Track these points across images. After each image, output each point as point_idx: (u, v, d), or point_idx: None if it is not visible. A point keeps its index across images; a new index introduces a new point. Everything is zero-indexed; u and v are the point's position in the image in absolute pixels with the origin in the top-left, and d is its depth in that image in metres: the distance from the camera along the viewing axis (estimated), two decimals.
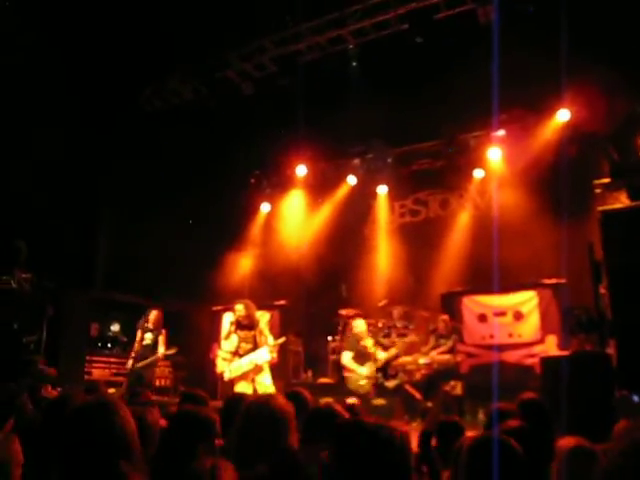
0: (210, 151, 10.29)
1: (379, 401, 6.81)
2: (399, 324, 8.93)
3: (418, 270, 9.52)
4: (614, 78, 7.05)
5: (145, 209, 9.97)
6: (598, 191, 5.97)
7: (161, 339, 7.51)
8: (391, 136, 9.89)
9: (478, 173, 9.78)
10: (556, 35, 6.41)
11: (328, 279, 10.09)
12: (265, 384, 6.58)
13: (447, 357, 7.74)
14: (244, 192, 11.21)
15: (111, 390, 7.58)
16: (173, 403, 4.56)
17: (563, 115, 8.59)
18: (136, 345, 7.43)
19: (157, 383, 8.60)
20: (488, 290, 8.63)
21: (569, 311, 7.41)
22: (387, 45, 8.70)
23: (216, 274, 10.30)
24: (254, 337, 6.72)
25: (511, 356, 8.56)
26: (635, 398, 4.41)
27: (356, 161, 10.59)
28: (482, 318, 9.05)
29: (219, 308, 10.52)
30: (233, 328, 6.83)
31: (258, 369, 6.61)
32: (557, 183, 7.58)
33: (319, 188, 11.04)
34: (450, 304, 9.20)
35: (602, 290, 5.74)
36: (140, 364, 7.28)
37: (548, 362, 5.93)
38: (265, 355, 6.64)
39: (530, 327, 8.64)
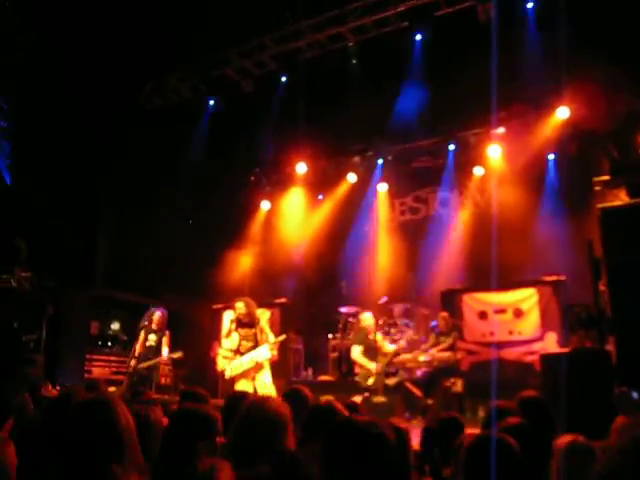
0: (210, 149, 10.28)
1: (379, 399, 6.81)
2: (399, 321, 8.94)
3: (418, 267, 9.53)
4: (614, 76, 7.04)
5: (145, 208, 9.97)
6: (598, 188, 5.96)
7: (165, 340, 7.47)
8: (391, 133, 9.89)
9: (478, 170, 9.78)
10: (556, 32, 6.41)
11: (328, 277, 10.10)
12: (265, 383, 6.58)
13: (447, 354, 7.74)
14: (244, 190, 11.21)
15: (111, 388, 7.58)
16: (174, 401, 4.56)
17: (563, 113, 8.58)
18: (139, 346, 7.39)
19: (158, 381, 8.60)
20: (488, 287, 8.63)
21: (569, 308, 7.42)
22: (387, 42, 8.70)
23: (216, 272, 10.30)
24: (255, 335, 6.71)
25: (511, 353, 8.57)
26: (634, 395, 4.41)
27: (356, 159, 10.59)
28: (482, 315, 9.06)
29: (219, 306, 10.52)
30: (234, 326, 6.82)
31: (259, 367, 6.61)
32: (557, 180, 7.58)
33: (319, 186, 11.04)
34: (450, 301, 9.20)
35: (602, 287, 5.74)
36: (144, 365, 7.25)
37: (548, 359, 5.94)
38: (265, 353, 6.64)
39: (530, 324, 8.64)
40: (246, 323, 6.75)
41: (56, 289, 8.51)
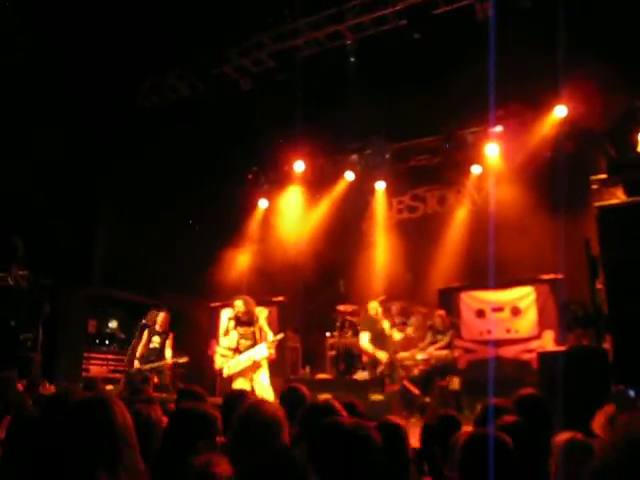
0: (208, 147, 10.27)
1: (377, 397, 6.82)
2: (397, 320, 8.95)
3: (416, 266, 9.54)
4: (611, 74, 7.05)
5: (143, 206, 9.96)
6: (595, 187, 5.97)
7: (168, 343, 7.45)
8: (389, 132, 9.89)
9: (476, 169, 9.79)
10: (554, 31, 6.41)
11: (326, 275, 10.10)
12: (263, 384, 6.57)
13: (445, 352, 7.76)
14: (242, 188, 11.20)
15: (109, 387, 7.57)
16: (171, 400, 4.57)
17: (560, 111, 8.60)
18: (141, 347, 7.36)
19: (155, 380, 8.60)
20: (485, 286, 8.66)
21: (566, 306, 7.44)
22: (385, 41, 8.69)
23: (214, 270, 10.30)
24: (253, 333, 6.71)
25: (508, 351, 8.59)
26: (631, 393, 4.43)
27: (354, 157, 10.59)
28: (480, 314, 9.08)
29: (217, 304, 10.52)
30: (232, 324, 6.81)
31: (256, 365, 6.61)
32: (554, 179, 7.58)
33: (317, 184, 11.04)
34: (448, 300, 9.22)
35: (599, 285, 5.75)
36: (147, 366, 7.22)
37: (545, 357, 5.95)
38: (263, 351, 6.64)
39: (527, 322, 8.66)
40: (245, 321, 6.75)
41: (53, 287, 8.50)
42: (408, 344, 8.08)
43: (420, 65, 8.58)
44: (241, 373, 6.63)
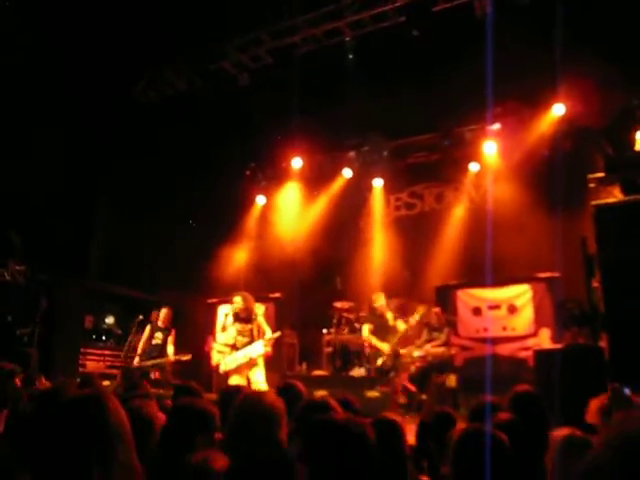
0: (205, 143, 10.25)
1: (373, 394, 6.83)
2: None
3: (413, 263, 9.54)
4: (609, 72, 7.05)
5: (140, 201, 9.94)
6: (592, 185, 5.98)
7: (170, 339, 7.43)
8: (387, 129, 9.88)
9: (473, 166, 9.79)
10: (552, 28, 6.41)
11: (323, 272, 10.09)
12: (258, 381, 6.56)
13: (441, 350, 7.77)
14: (239, 184, 11.18)
15: (105, 382, 7.56)
16: (168, 396, 4.56)
17: (558, 109, 8.60)
18: (143, 342, 7.34)
19: (152, 376, 8.60)
20: (482, 283, 8.67)
21: (562, 304, 7.45)
22: (384, 38, 8.67)
23: (211, 266, 10.29)
24: (251, 330, 6.70)
25: (505, 349, 8.61)
26: (627, 391, 4.44)
27: (352, 154, 10.58)
28: (476, 311, 9.09)
29: (214, 300, 10.51)
30: (230, 321, 6.80)
31: (252, 363, 6.61)
32: (552, 177, 7.59)
33: (315, 181, 11.03)
34: (445, 297, 9.23)
35: (595, 284, 5.77)
36: (149, 363, 7.21)
37: (541, 355, 5.97)
38: (260, 349, 6.63)
39: (524, 320, 8.68)
40: (243, 318, 6.73)
41: (50, 282, 8.48)
42: (405, 341, 8.08)
43: (418, 62, 8.57)
44: (237, 370, 6.63)
